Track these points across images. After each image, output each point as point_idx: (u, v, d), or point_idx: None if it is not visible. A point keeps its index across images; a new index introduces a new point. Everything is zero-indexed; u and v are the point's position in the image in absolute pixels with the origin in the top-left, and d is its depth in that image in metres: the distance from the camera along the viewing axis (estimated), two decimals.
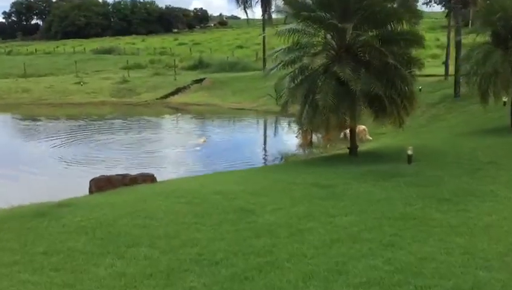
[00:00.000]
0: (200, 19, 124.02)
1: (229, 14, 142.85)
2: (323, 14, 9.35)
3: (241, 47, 61.63)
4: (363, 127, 15.65)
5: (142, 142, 20.05)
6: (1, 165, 15.49)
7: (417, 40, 10.37)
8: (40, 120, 28.86)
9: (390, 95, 9.74)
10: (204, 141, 20.14)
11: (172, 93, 35.71)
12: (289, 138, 21.53)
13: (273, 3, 38.83)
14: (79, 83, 37.96)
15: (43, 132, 23.80)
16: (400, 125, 10.16)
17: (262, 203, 6.79)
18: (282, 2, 12.45)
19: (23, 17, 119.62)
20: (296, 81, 10.43)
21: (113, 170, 13.69)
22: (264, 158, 16.75)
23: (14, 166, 15.56)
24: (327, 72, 10.03)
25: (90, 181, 9.24)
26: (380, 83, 9.65)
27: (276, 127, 25.84)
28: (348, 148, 10.80)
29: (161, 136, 22.63)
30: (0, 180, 13.47)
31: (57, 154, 17.55)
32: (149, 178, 9.62)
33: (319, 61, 9.68)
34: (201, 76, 39.25)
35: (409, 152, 9.36)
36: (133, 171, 14.04)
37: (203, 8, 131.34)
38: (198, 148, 18.48)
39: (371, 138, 16.59)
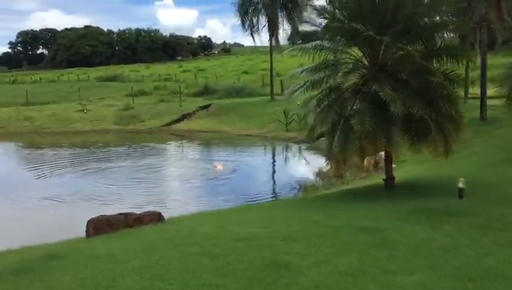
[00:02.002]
0: (204, 46, 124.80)
1: (232, 42, 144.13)
2: (359, 25, 8.18)
3: (246, 72, 61.09)
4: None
5: (148, 172, 18.75)
6: None
7: (464, 55, 9.16)
8: (38, 149, 27.73)
9: (435, 118, 8.46)
10: (219, 167, 18.84)
11: (178, 120, 34.65)
12: (302, 165, 20.28)
13: (281, 27, 38.15)
14: (82, 110, 37.03)
15: (39, 161, 22.52)
16: (445, 154, 8.83)
17: (299, 253, 5.41)
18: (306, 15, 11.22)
19: (29, 47, 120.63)
20: (322, 104, 9.17)
21: (114, 206, 12.42)
22: (280, 189, 15.37)
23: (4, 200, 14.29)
24: (360, 93, 8.78)
25: (88, 222, 7.89)
26: (421, 104, 8.39)
27: (287, 154, 24.54)
28: (384, 179, 9.45)
29: (168, 165, 21.36)
30: None
31: (51, 186, 16.24)
32: (155, 217, 8.26)
33: (353, 80, 8.45)
34: (207, 102, 38.30)
35: (460, 185, 8.02)
36: (138, 202, 13.06)
37: (207, 36, 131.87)
38: (220, 176, 17.08)
39: (394, 165, 15.25)
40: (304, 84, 9.53)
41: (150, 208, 11.14)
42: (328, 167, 10.85)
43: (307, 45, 9.54)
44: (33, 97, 44.36)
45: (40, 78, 65.91)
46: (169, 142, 29.62)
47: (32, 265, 5.56)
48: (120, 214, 8.14)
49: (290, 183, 15.66)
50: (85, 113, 36.45)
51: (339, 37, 9.26)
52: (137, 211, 9.04)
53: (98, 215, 8.32)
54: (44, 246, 7.53)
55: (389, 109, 8.54)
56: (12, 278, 5.17)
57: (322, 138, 24.78)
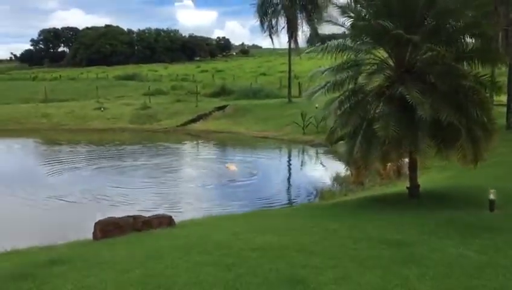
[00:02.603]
0: (222, 47, 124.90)
1: (250, 44, 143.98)
2: (387, 23, 7.66)
3: (264, 74, 60.65)
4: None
5: (161, 173, 18.46)
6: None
7: (497, 59, 8.56)
8: (54, 145, 27.77)
9: (465, 124, 7.89)
10: (232, 168, 18.51)
11: (194, 120, 34.39)
12: (319, 170, 19.74)
13: (300, 29, 37.64)
14: (99, 108, 37.09)
15: (52, 158, 22.45)
16: (475, 162, 8.23)
17: (317, 267, 4.95)
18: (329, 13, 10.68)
19: (51, 45, 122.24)
20: (344, 107, 8.67)
21: (123, 207, 12.09)
22: (296, 194, 14.89)
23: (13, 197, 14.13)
24: (384, 96, 8.26)
25: (96, 224, 7.56)
26: (450, 108, 7.83)
27: (303, 158, 24.01)
28: (408, 187, 8.89)
29: (182, 165, 21.07)
30: None
31: (62, 184, 16.03)
32: (165, 221, 7.89)
33: (378, 81, 7.93)
34: (224, 103, 37.98)
35: (491, 197, 7.44)
36: (148, 204, 12.69)
37: (226, 37, 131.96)
38: (235, 179, 16.65)
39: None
40: (325, 85, 9.04)
41: (160, 211, 10.84)
42: (347, 172, 10.30)
43: (329, 43, 9.02)
44: (52, 94, 44.68)
45: (60, 76, 66.58)
46: (184, 142, 29.37)
47: (34, 271, 5.22)
48: (129, 216, 7.79)
49: (306, 188, 15.18)
50: (102, 111, 36.49)
51: (364, 36, 8.75)
52: (148, 214, 8.71)
53: (106, 216, 8.01)
54: (49, 248, 7.23)
55: (415, 113, 8.01)
56: (11, 284, 4.83)
57: (341, 142, 24.26)
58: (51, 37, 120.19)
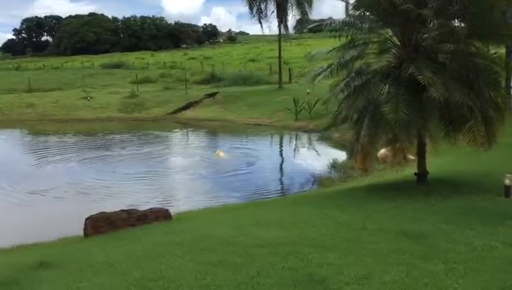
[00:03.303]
0: (209, 34, 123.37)
1: (237, 30, 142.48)
2: None
3: (253, 60, 59.89)
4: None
5: (151, 163, 17.88)
6: None
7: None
8: (39, 136, 26.95)
9: (478, 105, 7.45)
10: (221, 155, 18.06)
11: (184, 108, 33.66)
12: (315, 156, 19.32)
13: (290, 13, 36.88)
14: (86, 98, 36.12)
15: (38, 149, 21.73)
16: (488, 144, 7.79)
17: (334, 265, 4.49)
18: None
19: (34, 34, 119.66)
20: (349, 89, 8.17)
21: (114, 200, 11.51)
22: (294, 181, 14.42)
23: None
24: (391, 77, 7.77)
25: (86, 220, 7.02)
26: (462, 89, 7.38)
27: (298, 144, 23.55)
28: (416, 173, 8.47)
29: (173, 155, 20.45)
30: None
31: (48, 176, 15.36)
32: (162, 214, 7.38)
33: (386, 61, 7.40)
34: (214, 90, 37.24)
35: (507, 182, 7.05)
36: (140, 196, 12.10)
37: (212, 24, 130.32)
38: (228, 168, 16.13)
39: (413, 157, 14.26)
40: (328, 67, 8.51)
41: (153, 204, 10.31)
42: (348, 158, 9.81)
43: (334, 20, 8.45)
44: (36, 84, 43.44)
45: (44, 65, 65.03)
46: (175, 131, 28.73)
47: (19, 275, 4.71)
48: (122, 211, 7.28)
49: (304, 175, 14.70)
50: (88, 100, 35.55)
51: (369, 12, 8.21)
52: (141, 207, 8.20)
53: (97, 211, 7.47)
54: (36, 247, 6.71)
55: (423, 94, 7.56)
56: None
57: (334, 127, 23.77)
58: (34, 26, 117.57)
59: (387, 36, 8.41)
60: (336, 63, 8.40)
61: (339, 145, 20.98)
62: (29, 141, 26.83)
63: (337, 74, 8.47)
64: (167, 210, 7.49)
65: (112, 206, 8.38)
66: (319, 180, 13.58)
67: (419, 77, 7.11)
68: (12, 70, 62.26)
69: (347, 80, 8.22)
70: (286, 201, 9.27)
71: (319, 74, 8.63)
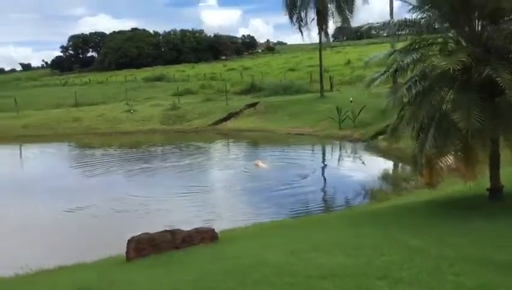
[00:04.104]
0: (247, 45, 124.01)
1: (275, 40, 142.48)
2: None
3: (292, 70, 59.30)
4: None
5: (193, 173, 17.57)
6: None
7: None
8: (86, 149, 27.41)
9: None
10: (261, 165, 17.57)
11: (225, 119, 33.46)
12: (363, 167, 18.37)
13: (331, 20, 36.11)
14: (129, 110, 36.67)
15: (84, 159, 21.97)
16: None
17: None
18: None
19: (80, 50, 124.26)
20: (410, 95, 7.38)
21: (156, 215, 11.12)
22: (343, 194, 13.59)
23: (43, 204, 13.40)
24: (460, 80, 6.94)
25: (129, 242, 6.56)
26: None
27: (343, 154, 22.63)
28: (489, 189, 7.54)
29: (214, 165, 20.09)
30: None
31: (87, 190, 15.27)
32: (208, 235, 6.82)
33: (458, 62, 6.55)
34: (254, 100, 36.87)
35: None
36: (182, 214, 11.62)
37: (250, 35, 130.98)
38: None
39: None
40: (386, 70, 7.75)
41: (196, 219, 9.84)
42: (412, 172, 8.91)
43: (391, 21, 7.71)
44: (82, 99, 44.73)
45: (90, 80, 67.16)
46: (216, 142, 28.51)
47: None
48: (166, 231, 6.77)
49: (353, 187, 13.84)
50: (131, 113, 36.05)
51: (435, 9, 7.42)
52: (183, 224, 7.71)
53: (139, 231, 7.01)
54: (75, 269, 6.29)
55: (496, 99, 6.69)
56: None
57: (381, 136, 22.68)
58: (80, 42, 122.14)
59: (453, 36, 7.57)
60: (394, 67, 7.63)
61: (386, 154, 19.95)
62: (75, 154, 27.37)
63: (395, 78, 7.72)
64: (213, 230, 6.94)
65: (152, 223, 7.95)
66: (370, 193, 12.72)
67: (497, 79, 6.26)
68: (60, 86, 64.70)
69: (409, 84, 7.42)
70: (341, 218, 8.50)
71: (376, 79, 7.89)
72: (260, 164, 18.47)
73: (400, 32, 7.71)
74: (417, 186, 13.05)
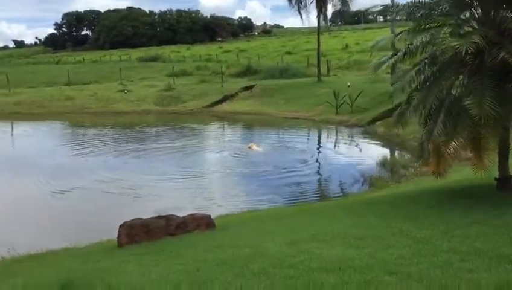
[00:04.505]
0: (244, 27, 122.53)
1: (272, 23, 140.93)
2: None
3: (289, 53, 58.60)
4: None
5: (187, 156, 17.28)
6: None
7: None
8: (79, 128, 26.96)
9: None
10: (254, 148, 17.40)
11: (220, 101, 33.01)
12: (360, 153, 18.11)
13: (329, 3, 35.49)
14: (123, 90, 36.07)
15: (75, 139, 21.55)
16: None
17: None
18: None
19: (74, 28, 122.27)
20: (419, 79, 7.04)
21: (147, 200, 10.81)
22: (341, 181, 13.32)
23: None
24: (471, 65, 6.61)
25: (121, 227, 6.27)
26: None
27: (340, 140, 22.34)
28: (497, 178, 7.27)
29: (209, 148, 19.75)
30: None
31: (78, 170, 14.89)
32: (203, 222, 6.54)
33: (473, 44, 6.18)
34: (250, 83, 36.37)
35: None
36: (177, 198, 11.30)
37: (247, 17, 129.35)
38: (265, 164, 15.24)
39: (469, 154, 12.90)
40: (395, 53, 7.39)
41: (190, 204, 9.56)
42: (418, 160, 8.60)
43: (402, 4, 7.31)
44: (75, 77, 44.00)
45: (83, 59, 66.09)
46: (212, 124, 28.14)
47: None
48: (160, 217, 6.48)
49: (351, 174, 13.59)
50: (125, 93, 35.48)
51: None
52: (177, 209, 7.43)
53: (131, 215, 6.73)
54: (64, 255, 6.00)
55: (508, 85, 6.39)
56: None
57: (379, 122, 22.35)
58: (74, 20, 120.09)
59: (465, 19, 7.20)
60: (403, 50, 7.26)
61: (384, 141, 19.71)
62: (67, 133, 26.94)
63: (403, 62, 7.37)
64: (209, 217, 6.65)
65: (145, 208, 7.66)
66: (369, 181, 12.47)
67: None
68: (53, 64, 63.65)
69: (418, 67, 7.07)
70: (341, 207, 8.23)
71: (384, 63, 7.53)
72: (254, 147, 18.25)
73: (409, 15, 7.30)
74: (416, 173, 12.85)
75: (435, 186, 8.53)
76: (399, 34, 7.44)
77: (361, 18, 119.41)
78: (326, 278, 4.02)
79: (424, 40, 6.85)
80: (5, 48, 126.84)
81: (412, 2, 7.28)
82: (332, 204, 9.15)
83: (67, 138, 24.19)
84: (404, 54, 7.21)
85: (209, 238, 5.80)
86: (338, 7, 36.57)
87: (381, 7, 8.20)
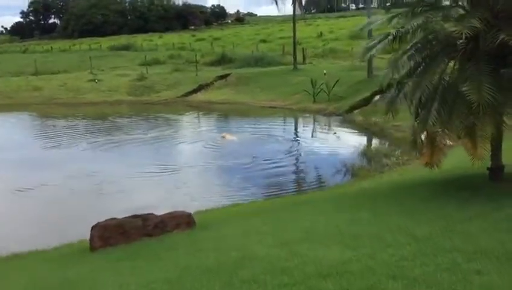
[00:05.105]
0: (217, 15, 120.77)
1: (245, 11, 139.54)
2: None
3: (264, 41, 57.95)
4: None
5: (161, 148, 16.67)
6: None
7: None
8: (47, 120, 25.80)
9: None
10: (228, 137, 17.00)
11: (195, 91, 32.25)
12: (339, 142, 17.85)
13: None
14: (93, 80, 34.81)
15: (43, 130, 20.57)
16: None
17: None
18: None
19: (41, 16, 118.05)
20: (413, 63, 6.65)
21: (120, 196, 10.21)
22: (323, 171, 12.97)
23: None
24: (466, 48, 6.28)
25: (93, 229, 5.72)
26: None
27: (319, 129, 22.05)
28: (489, 168, 7.01)
29: (184, 139, 19.13)
30: None
31: (47, 164, 14.09)
32: (184, 220, 6.06)
33: (470, 27, 5.82)
34: (226, 72, 35.69)
35: None
36: (152, 193, 10.70)
37: (220, 5, 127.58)
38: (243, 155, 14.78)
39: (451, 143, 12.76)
40: (386, 36, 6.99)
41: (165, 200, 9.02)
42: (411, 150, 8.22)
43: None
44: (43, 67, 42.27)
45: (52, 48, 63.76)
46: (186, 114, 27.43)
47: None
48: (136, 216, 5.95)
49: (333, 164, 13.26)
50: (96, 82, 34.25)
51: None
52: (156, 207, 6.91)
53: (102, 214, 6.19)
54: (31, 259, 5.43)
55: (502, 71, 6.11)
56: None
57: (357, 110, 22.14)
58: (41, 8, 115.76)
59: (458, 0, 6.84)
60: (393, 34, 6.87)
61: (363, 129, 19.53)
62: (34, 124, 25.78)
63: (393, 45, 6.98)
64: (190, 215, 6.15)
65: (118, 206, 7.10)
66: (351, 170, 12.18)
67: None
68: (20, 53, 61.20)
69: (411, 52, 6.68)
70: (328, 199, 7.86)
71: (372, 48, 7.13)
72: (227, 136, 17.85)
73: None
74: (399, 162, 12.69)
75: (425, 176, 8.25)
76: (393, 17, 7.02)
77: (333, 6, 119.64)
78: (325, 286, 3.62)
79: (416, 23, 6.46)
80: None
81: None
82: (319, 196, 8.78)
83: (36, 130, 23.08)
84: (394, 38, 6.82)
85: (190, 239, 5.32)
86: None
87: None
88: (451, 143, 7.25)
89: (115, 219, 5.82)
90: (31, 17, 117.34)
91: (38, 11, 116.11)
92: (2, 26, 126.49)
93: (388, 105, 7.09)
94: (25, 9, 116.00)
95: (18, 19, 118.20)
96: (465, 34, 5.61)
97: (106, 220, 5.76)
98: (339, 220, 5.38)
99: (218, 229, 5.80)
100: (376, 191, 8.03)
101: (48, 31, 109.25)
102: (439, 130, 6.15)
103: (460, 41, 6.26)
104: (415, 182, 8.20)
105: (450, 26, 5.94)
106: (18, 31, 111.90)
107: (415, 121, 6.82)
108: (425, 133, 6.47)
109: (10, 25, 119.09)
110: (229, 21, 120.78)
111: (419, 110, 6.65)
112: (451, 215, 5.28)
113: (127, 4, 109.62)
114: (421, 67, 6.64)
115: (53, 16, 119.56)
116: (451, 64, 6.80)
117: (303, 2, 38.04)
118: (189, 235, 5.50)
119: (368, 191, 8.07)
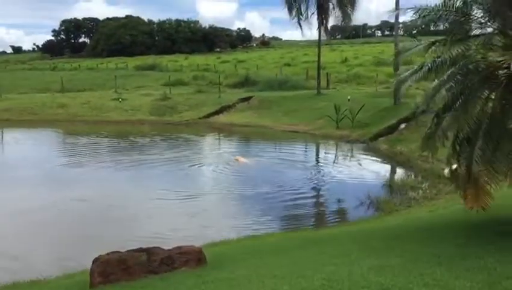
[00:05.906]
0: (242, 38, 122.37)
1: (270, 35, 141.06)
2: None
3: (288, 65, 57.88)
4: None
5: (180, 171, 16.29)
6: None
7: None
8: (68, 137, 25.91)
9: None
10: (242, 160, 16.51)
11: (217, 112, 32.11)
12: (363, 171, 17.12)
13: (331, 13, 34.77)
14: (117, 99, 35.11)
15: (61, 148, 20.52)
16: None
17: None
18: None
19: (72, 35, 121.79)
20: (448, 96, 6.10)
21: (127, 225, 9.76)
22: (345, 203, 12.33)
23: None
24: (507, 81, 5.72)
25: (93, 263, 5.27)
26: None
27: (341, 156, 21.35)
28: None
29: (204, 163, 18.77)
30: None
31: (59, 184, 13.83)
32: (193, 257, 5.54)
33: None
34: (248, 94, 35.53)
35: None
36: (164, 222, 10.11)
37: (246, 28, 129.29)
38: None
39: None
40: (421, 67, 6.44)
41: (177, 232, 8.54)
42: (455, 190, 7.43)
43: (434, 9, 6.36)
44: (69, 84, 43.14)
45: (79, 66, 65.26)
46: (208, 135, 27.21)
47: None
48: (140, 250, 5.47)
49: (356, 195, 12.57)
50: (120, 102, 34.51)
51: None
52: (166, 240, 6.43)
53: (107, 243, 5.75)
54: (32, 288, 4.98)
55: None
56: None
57: (381, 138, 21.47)
58: (72, 27, 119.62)
59: (497, 28, 6.31)
60: (428, 64, 6.34)
61: (388, 159, 18.82)
62: (55, 142, 25.91)
63: (428, 76, 6.43)
64: (200, 251, 5.65)
65: (124, 234, 6.65)
66: (376, 203, 11.50)
67: None
68: (49, 70, 62.74)
69: (450, 84, 6.11)
70: (352, 238, 7.22)
71: (405, 80, 6.58)
72: (240, 159, 17.44)
73: (434, 23, 6.39)
74: (426, 196, 11.97)
75: (459, 215, 7.57)
76: (431, 44, 6.49)
77: (359, 32, 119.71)
78: None
79: (455, 52, 5.92)
80: (3, 53, 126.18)
81: (441, 5, 6.34)
82: (342, 233, 8.14)
83: (56, 147, 23.15)
84: (429, 68, 6.29)
85: (198, 280, 4.80)
86: (340, 19, 35.85)
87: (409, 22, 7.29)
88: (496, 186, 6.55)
89: (117, 252, 5.36)
90: (62, 36, 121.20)
91: (70, 30, 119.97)
92: (34, 44, 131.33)
93: (425, 140, 6.47)
94: (57, 28, 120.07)
95: (50, 37, 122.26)
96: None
97: (108, 254, 5.31)
98: (365, 267, 4.79)
99: (230, 270, 5.27)
100: (405, 230, 7.36)
101: (78, 50, 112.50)
102: (483, 169, 5.52)
103: (503, 72, 5.68)
104: (448, 221, 7.51)
105: (495, 56, 5.39)
106: (49, 49, 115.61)
107: (455, 158, 6.18)
108: (464, 170, 5.84)
109: (42, 43, 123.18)
110: (254, 44, 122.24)
111: (457, 146, 6.05)
112: (494, 267, 4.63)
113: (155, 25, 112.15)
114: (460, 100, 6.06)
115: (83, 35, 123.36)
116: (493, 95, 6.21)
117: (328, 28, 37.76)
118: (198, 275, 4.98)
119: (395, 231, 7.39)
